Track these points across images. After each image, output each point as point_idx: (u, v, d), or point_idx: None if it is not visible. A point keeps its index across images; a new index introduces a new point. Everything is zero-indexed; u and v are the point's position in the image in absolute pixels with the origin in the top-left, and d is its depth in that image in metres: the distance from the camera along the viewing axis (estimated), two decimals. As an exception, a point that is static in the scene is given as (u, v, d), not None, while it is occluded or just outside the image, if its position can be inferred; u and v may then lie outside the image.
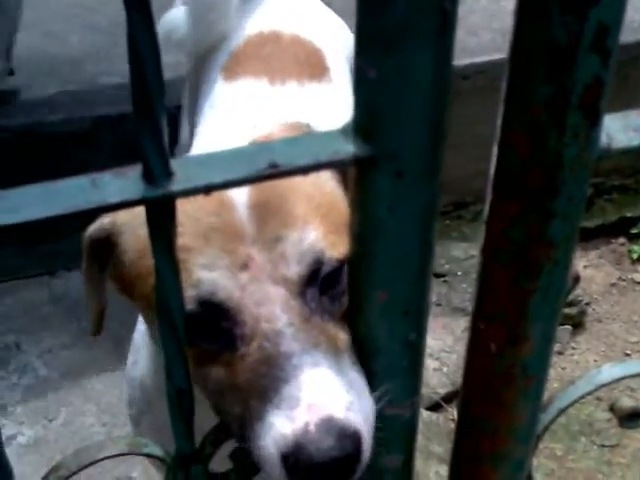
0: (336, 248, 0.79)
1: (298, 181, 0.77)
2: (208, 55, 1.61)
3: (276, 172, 0.45)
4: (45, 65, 2.15)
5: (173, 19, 1.71)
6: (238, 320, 0.76)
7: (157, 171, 0.43)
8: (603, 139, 0.46)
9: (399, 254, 0.51)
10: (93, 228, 0.87)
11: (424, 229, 0.51)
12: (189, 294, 0.75)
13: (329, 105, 1.44)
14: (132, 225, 0.84)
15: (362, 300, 0.55)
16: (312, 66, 1.50)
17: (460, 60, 2.00)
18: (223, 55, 1.56)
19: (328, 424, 0.68)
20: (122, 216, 0.85)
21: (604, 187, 2.50)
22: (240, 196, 0.78)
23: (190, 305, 0.75)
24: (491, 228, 0.51)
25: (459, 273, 2.26)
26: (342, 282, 0.79)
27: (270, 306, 0.76)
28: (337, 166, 0.47)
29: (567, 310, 2.21)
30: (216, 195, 0.72)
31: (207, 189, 0.44)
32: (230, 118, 1.37)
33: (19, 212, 0.41)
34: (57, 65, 2.17)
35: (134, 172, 0.43)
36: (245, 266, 0.77)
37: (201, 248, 0.77)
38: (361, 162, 0.46)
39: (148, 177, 0.43)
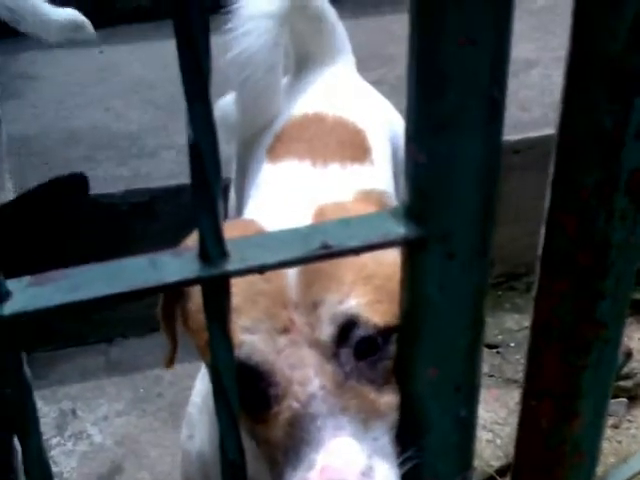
0: (380, 315, 0.79)
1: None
2: (255, 136, 1.66)
3: (328, 253, 0.46)
4: (105, 139, 2.22)
5: (227, 105, 1.76)
6: (272, 381, 0.78)
7: (213, 252, 0.44)
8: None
9: (449, 332, 0.52)
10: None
11: (474, 307, 0.51)
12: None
13: (370, 186, 1.47)
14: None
15: (413, 376, 0.55)
16: (354, 148, 1.53)
17: (512, 135, 2.01)
18: (269, 137, 1.60)
19: None
20: None
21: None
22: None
23: None
24: (540, 305, 0.52)
25: (512, 344, 2.24)
26: (384, 350, 0.79)
27: (304, 369, 0.78)
28: (388, 247, 0.48)
29: (622, 383, 2.17)
30: None
31: (261, 269, 0.45)
32: (273, 199, 1.39)
33: (80, 290, 0.43)
34: (117, 139, 2.24)
35: (191, 252, 0.45)
36: (285, 330, 0.79)
37: (247, 311, 0.79)
38: (411, 244, 0.47)
39: (204, 257, 0.45)
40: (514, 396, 2.07)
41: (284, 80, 1.73)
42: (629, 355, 2.21)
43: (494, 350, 2.22)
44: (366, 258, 0.79)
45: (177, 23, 0.39)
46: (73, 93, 2.54)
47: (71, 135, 2.26)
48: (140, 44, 2.81)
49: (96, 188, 2.01)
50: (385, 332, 0.79)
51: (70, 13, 2.18)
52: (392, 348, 0.78)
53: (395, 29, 2.48)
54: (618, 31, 0.40)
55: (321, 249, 0.46)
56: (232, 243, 0.45)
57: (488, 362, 2.15)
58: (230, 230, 0.47)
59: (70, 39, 2.18)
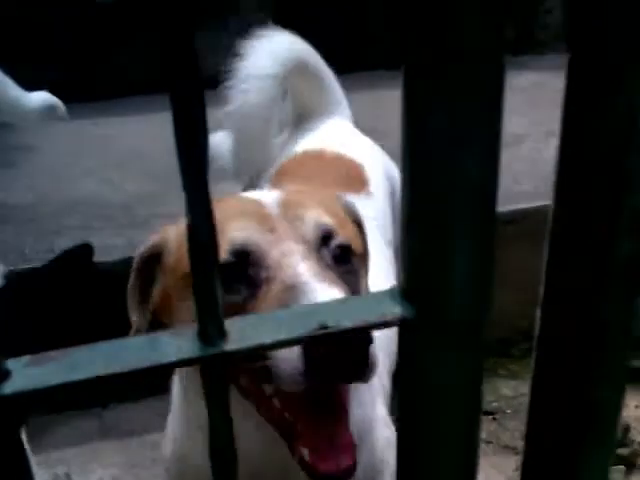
0: (345, 235, 1.02)
1: (312, 191, 1.10)
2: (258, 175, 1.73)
3: (325, 333, 0.46)
4: (101, 210, 2.24)
5: (217, 145, 1.80)
6: (264, 265, 0.95)
7: (212, 331, 0.45)
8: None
9: (447, 407, 0.52)
10: (145, 246, 1.09)
11: (472, 384, 0.52)
12: (224, 248, 0.95)
13: (368, 216, 1.51)
14: (178, 241, 1.03)
15: (413, 451, 0.55)
16: (352, 179, 1.59)
17: (505, 206, 2.04)
18: (270, 172, 1.68)
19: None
20: (170, 232, 1.07)
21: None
22: (269, 197, 1.05)
23: (224, 256, 0.95)
24: (538, 380, 0.52)
25: (508, 411, 2.24)
26: (353, 264, 1.03)
27: (291, 256, 0.95)
28: (385, 327, 0.48)
29: (619, 451, 2.16)
30: (252, 197, 1.06)
31: (259, 349, 0.45)
32: None
33: (79, 371, 0.43)
34: (112, 210, 2.25)
35: (190, 332, 0.46)
36: (272, 230, 0.98)
37: (237, 218, 0.99)
38: (408, 323, 0.48)
39: (203, 337, 0.45)
40: (511, 463, 2.06)
41: (284, 133, 1.78)
42: (627, 430, 2.20)
43: (490, 417, 2.22)
44: (323, 195, 1.10)
45: (177, 124, 0.40)
46: (68, 164, 2.56)
47: (66, 205, 2.28)
48: (132, 117, 2.85)
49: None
50: (350, 249, 1.02)
51: (44, 97, 2.21)
52: (356, 267, 1.04)
53: (388, 104, 2.52)
54: (609, 134, 0.42)
55: (319, 329, 0.46)
56: (231, 323, 0.46)
57: (485, 429, 2.15)
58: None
59: (44, 120, 2.21)
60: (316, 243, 0.99)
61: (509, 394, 2.28)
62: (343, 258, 1.02)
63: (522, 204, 2.07)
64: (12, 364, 0.43)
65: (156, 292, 1.08)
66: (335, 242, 1.01)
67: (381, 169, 1.70)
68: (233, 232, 0.97)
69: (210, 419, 0.47)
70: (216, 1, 3.25)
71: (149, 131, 2.63)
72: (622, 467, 2.15)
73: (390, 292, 0.49)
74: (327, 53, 2.89)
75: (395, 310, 0.48)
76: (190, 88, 0.40)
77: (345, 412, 0.97)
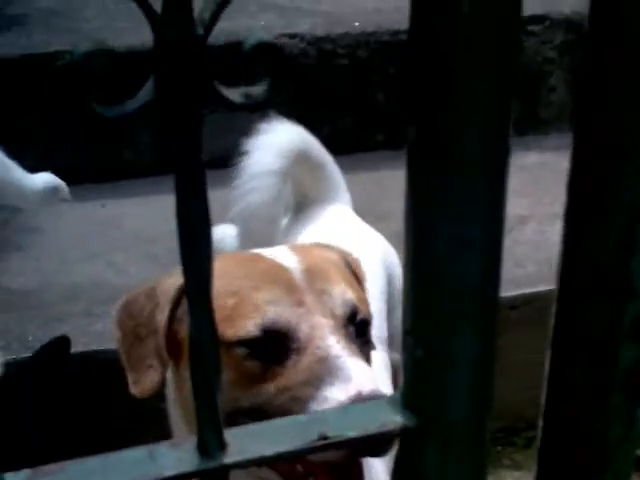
0: (364, 309, 1.09)
1: (332, 256, 1.17)
2: None
3: (326, 444, 0.46)
4: (105, 294, 2.24)
5: (222, 237, 1.81)
6: (294, 337, 0.99)
7: (212, 444, 0.45)
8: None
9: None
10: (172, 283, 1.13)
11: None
12: (254, 321, 1.00)
13: None
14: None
15: None
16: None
17: (508, 291, 2.04)
18: None
19: (374, 394, 0.91)
20: None
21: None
22: (290, 260, 1.08)
23: (253, 330, 0.99)
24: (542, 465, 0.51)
25: (513, 504, 2.18)
26: (368, 336, 1.10)
27: (322, 329, 1.00)
28: (386, 437, 0.48)
29: None
30: (273, 259, 1.09)
31: (259, 461, 0.45)
32: None
33: (78, 486, 0.43)
34: (115, 294, 2.25)
35: (189, 443, 0.45)
36: (300, 303, 1.02)
37: (266, 287, 1.03)
38: (409, 432, 0.48)
39: (203, 450, 0.45)
40: None
41: (284, 220, 1.79)
42: None
43: (495, 510, 2.17)
44: (335, 259, 1.17)
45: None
46: (74, 247, 2.57)
47: (71, 289, 2.28)
48: (142, 198, 2.87)
49: (92, 344, 2.02)
50: (369, 323, 1.10)
51: (47, 179, 2.23)
52: (370, 337, 1.11)
53: (391, 184, 2.55)
54: (608, 239, 0.42)
55: (319, 440, 0.46)
56: (231, 434, 0.46)
57: (490, 522, 2.10)
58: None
59: (47, 202, 2.22)
60: (344, 319, 1.04)
61: (513, 486, 2.24)
62: (363, 331, 1.08)
63: (525, 289, 2.07)
64: (10, 479, 0.43)
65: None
66: (359, 317, 1.07)
67: (378, 259, 1.70)
68: (263, 305, 1.01)
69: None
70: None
71: (157, 213, 2.65)
72: None
73: (391, 401, 0.49)
74: (334, 135, 2.93)
75: (397, 419, 0.48)
76: (194, 180, 0.41)
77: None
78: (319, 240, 1.68)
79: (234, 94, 0.33)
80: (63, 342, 1.95)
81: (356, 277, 1.23)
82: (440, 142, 0.41)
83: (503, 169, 0.42)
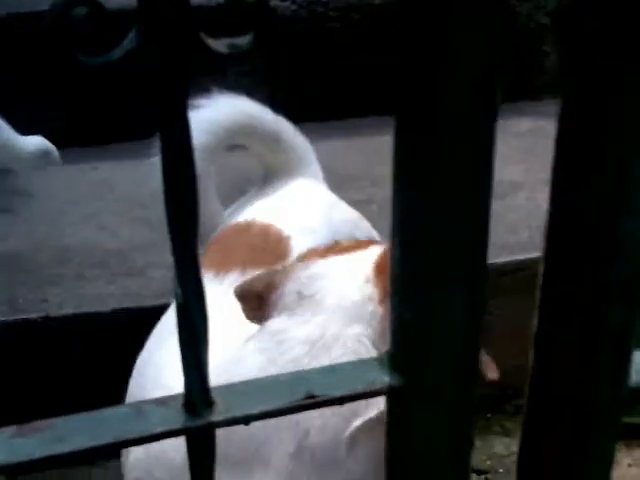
0: None
1: None
2: None
3: (312, 403, 0.46)
4: (96, 257, 2.23)
5: None
6: None
7: (198, 402, 0.45)
8: (633, 375, 0.47)
9: (435, 471, 0.52)
10: None
11: (459, 456, 0.51)
12: None
13: None
14: None
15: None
16: (268, 254, 1.55)
17: (499, 257, 2.03)
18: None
19: None
20: None
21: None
22: None
23: None
24: (527, 435, 0.52)
25: (501, 470, 2.20)
26: None
27: None
28: (373, 396, 0.48)
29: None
30: None
31: (245, 420, 0.45)
32: None
33: (64, 443, 0.43)
34: (107, 257, 2.25)
35: (176, 402, 0.45)
36: None
37: None
38: (396, 392, 0.48)
39: (190, 407, 0.45)
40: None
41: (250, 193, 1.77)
42: None
43: (482, 476, 2.18)
44: None
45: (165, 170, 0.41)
46: (65, 210, 2.56)
47: (62, 252, 2.27)
48: (134, 161, 2.85)
49: (84, 306, 2.02)
50: None
51: (38, 142, 2.21)
52: None
53: (385, 151, 2.54)
54: (595, 201, 0.42)
55: (306, 399, 0.46)
56: (218, 391, 0.46)
57: (477, 488, 2.12)
58: None
59: (37, 165, 2.21)
60: None
61: (502, 452, 2.25)
62: None
63: (517, 255, 2.06)
64: (-3, 434, 0.43)
65: None
66: None
67: (336, 234, 1.67)
68: None
69: (195, 489, 0.47)
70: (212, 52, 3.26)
71: (147, 176, 2.63)
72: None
73: (378, 361, 0.49)
74: (328, 100, 2.91)
75: (384, 379, 0.48)
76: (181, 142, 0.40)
77: None
78: (249, 217, 1.68)
79: (219, 45, 0.33)
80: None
81: None
82: (426, 106, 0.41)
83: (491, 133, 0.42)
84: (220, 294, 1.38)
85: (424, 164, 0.42)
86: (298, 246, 1.56)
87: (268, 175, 1.80)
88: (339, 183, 1.88)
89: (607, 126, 0.42)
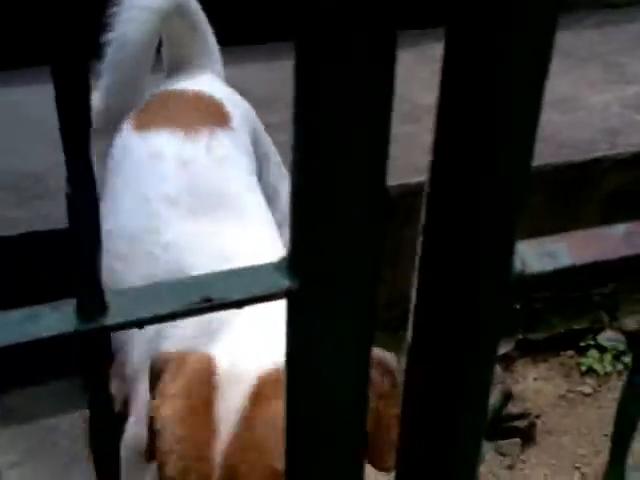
0: None
1: None
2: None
3: (208, 306, 0.46)
4: (9, 180, 2.18)
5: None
6: None
7: (91, 306, 0.44)
8: (517, 265, 0.48)
9: (334, 384, 0.52)
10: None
11: (359, 360, 0.52)
12: None
13: (236, 152, 1.58)
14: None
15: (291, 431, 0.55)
16: (214, 114, 1.65)
17: (414, 178, 2.06)
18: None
19: None
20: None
21: (552, 301, 2.54)
22: None
23: None
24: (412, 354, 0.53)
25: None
26: None
27: None
28: (271, 300, 0.48)
29: (516, 423, 2.21)
30: None
31: (139, 323, 0.45)
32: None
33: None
34: (20, 180, 2.20)
35: (69, 306, 0.45)
36: None
37: None
38: (293, 295, 0.48)
39: (82, 311, 0.44)
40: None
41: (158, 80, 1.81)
42: (508, 396, 2.25)
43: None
44: None
45: (56, 81, 0.39)
46: (-26, 133, 2.48)
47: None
48: (39, 85, 2.77)
49: (-6, 229, 1.97)
50: None
51: None
52: None
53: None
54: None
55: (202, 302, 0.46)
56: (111, 295, 0.45)
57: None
58: None
59: None
60: None
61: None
62: None
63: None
64: None
65: None
66: None
67: (242, 110, 1.75)
68: None
69: (90, 396, 0.46)
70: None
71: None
72: (518, 440, 2.20)
73: (277, 264, 0.49)
74: (242, 24, 2.86)
75: (283, 282, 0.48)
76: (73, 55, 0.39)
77: None
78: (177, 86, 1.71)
79: None
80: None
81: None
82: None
83: (391, 56, 0.41)
84: (202, 156, 1.47)
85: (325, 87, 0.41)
86: (231, 110, 1.63)
87: (175, 66, 1.84)
88: (256, 106, 1.86)
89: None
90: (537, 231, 0.49)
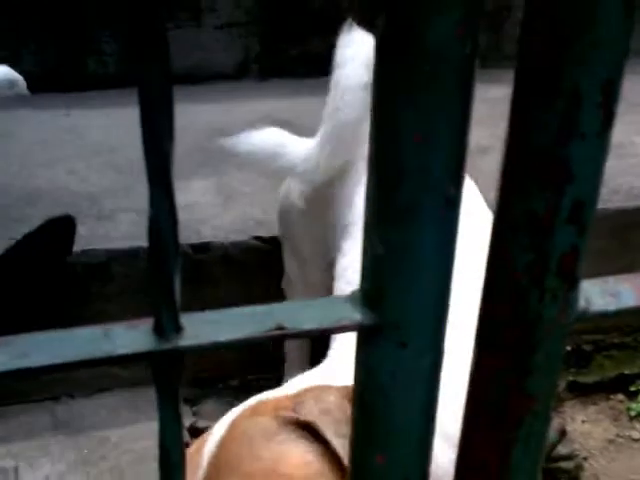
0: None
1: None
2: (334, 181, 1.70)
3: (282, 334, 0.46)
4: (65, 200, 2.21)
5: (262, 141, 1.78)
6: None
7: (168, 327, 0.44)
8: (582, 302, 0.47)
9: (400, 420, 0.52)
10: None
11: (427, 397, 0.51)
12: None
13: None
14: None
15: (361, 462, 0.55)
16: None
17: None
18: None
19: None
20: None
21: (604, 344, 2.53)
22: None
23: None
24: (474, 378, 0.52)
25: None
26: None
27: None
28: (342, 332, 0.48)
29: (564, 464, 2.17)
30: None
31: (213, 347, 0.45)
32: None
33: (28, 358, 0.42)
34: (77, 200, 2.23)
35: (146, 325, 0.45)
36: None
37: None
38: (365, 330, 0.48)
39: (159, 331, 0.44)
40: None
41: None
42: (563, 433, 2.21)
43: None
44: None
45: (142, 102, 0.40)
46: (36, 152, 2.53)
47: (31, 193, 2.26)
48: (106, 109, 2.83)
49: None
50: None
51: (4, 71, 2.21)
52: None
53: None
54: (550, 125, 0.42)
55: (275, 330, 0.46)
56: (187, 319, 0.45)
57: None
58: None
59: (3, 94, 2.20)
60: None
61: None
62: None
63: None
64: (-41, 347, 0.42)
65: None
66: None
67: None
68: None
69: (160, 415, 0.46)
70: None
71: (118, 124, 2.61)
72: (565, 481, 2.17)
73: (351, 297, 0.48)
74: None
75: (355, 316, 0.48)
76: (159, 87, 0.39)
77: None
78: None
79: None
80: (67, 222, 1.90)
81: None
82: (407, 30, 0.40)
83: (472, 61, 0.41)
84: None
85: (402, 87, 0.41)
86: None
87: None
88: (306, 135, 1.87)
89: (562, 52, 0.41)
90: (591, 275, 0.49)
